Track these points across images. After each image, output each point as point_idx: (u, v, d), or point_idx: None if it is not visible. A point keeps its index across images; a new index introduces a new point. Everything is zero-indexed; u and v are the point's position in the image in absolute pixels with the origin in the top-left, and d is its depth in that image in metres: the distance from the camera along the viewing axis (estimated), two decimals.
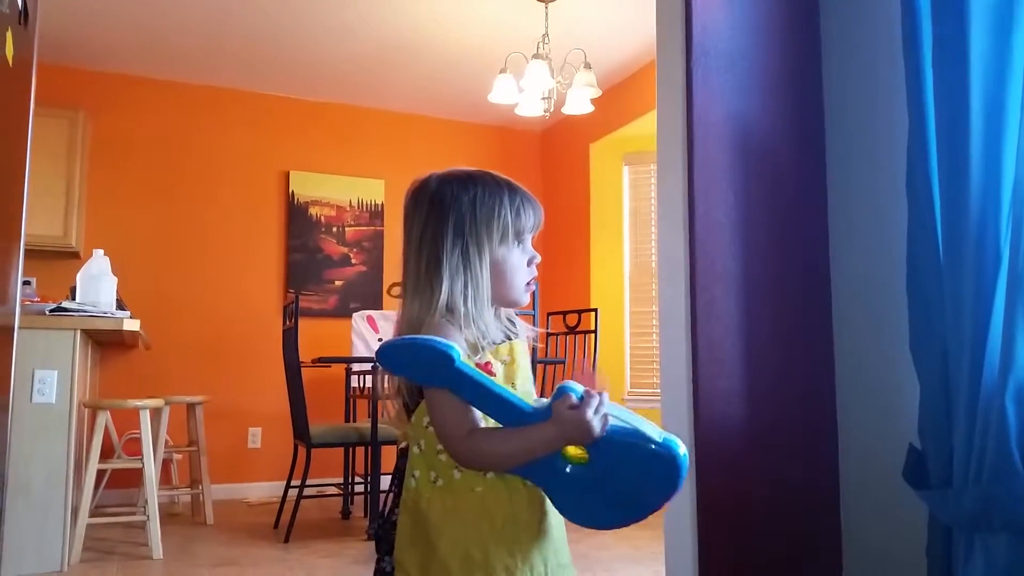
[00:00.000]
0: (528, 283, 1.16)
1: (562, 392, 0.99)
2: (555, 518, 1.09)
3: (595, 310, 4.35)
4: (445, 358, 0.97)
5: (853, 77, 1.91)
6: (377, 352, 1.01)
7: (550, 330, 4.67)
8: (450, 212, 1.11)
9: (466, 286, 1.08)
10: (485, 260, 1.10)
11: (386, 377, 1.13)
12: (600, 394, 0.99)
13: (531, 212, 1.15)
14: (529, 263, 1.16)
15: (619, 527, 1.03)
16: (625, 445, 0.99)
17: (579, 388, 0.99)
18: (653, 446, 0.97)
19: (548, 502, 1.06)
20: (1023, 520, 1.34)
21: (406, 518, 1.09)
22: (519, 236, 1.14)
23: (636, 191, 5.14)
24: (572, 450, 0.98)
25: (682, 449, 0.98)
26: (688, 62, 1.69)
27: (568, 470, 1.00)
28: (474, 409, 1.02)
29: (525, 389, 1.13)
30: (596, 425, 0.97)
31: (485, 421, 1.03)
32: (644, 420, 0.99)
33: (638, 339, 4.97)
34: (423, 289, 1.10)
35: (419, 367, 1.00)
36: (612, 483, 0.99)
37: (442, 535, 1.04)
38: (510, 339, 1.14)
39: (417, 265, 1.11)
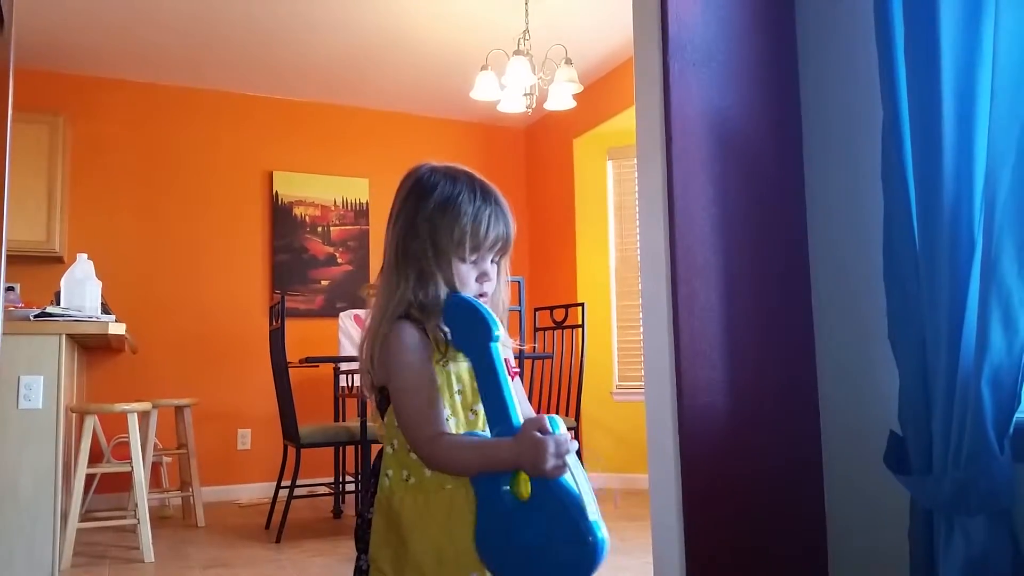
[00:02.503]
0: (478, 296, 1.13)
1: (542, 419, 0.98)
2: None
3: (582, 304, 4.36)
4: (488, 330, 1.02)
5: (829, 69, 1.93)
6: (445, 300, 1.07)
7: (538, 325, 4.68)
8: (421, 207, 1.13)
9: (424, 283, 1.10)
10: (444, 262, 1.10)
11: (367, 376, 1.14)
12: (571, 441, 0.98)
13: (492, 229, 1.11)
14: (478, 279, 1.13)
15: None
16: (561, 503, 0.95)
17: (560, 424, 0.99)
18: (582, 522, 0.93)
19: None
20: (1000, 502, 1.36)
21: (380, 517, 1.11)
22: (475, 249, 1.11)
23: (620, 185, 5.16)
24: (522, 481, 0.97)
25: (603, 538, 0.93)
26: (665, 57, 1.71)
27: (505, 493, 0.98)
28: (442, 412, 1.05)
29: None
30: (550, 461, 0.95)
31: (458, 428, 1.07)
32: (592, 497, 0.96)
33: (625, 332, 5.00)
34: (389, 276, 1.13)
35: (466, 326, 1.05)
36: (529, 532, 0.96)
37: (414, 533, 1.05)
38: None
39: (391, 251, 1.15)
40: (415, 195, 1.15)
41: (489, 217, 1.12)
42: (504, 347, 1.16)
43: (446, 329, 1.09)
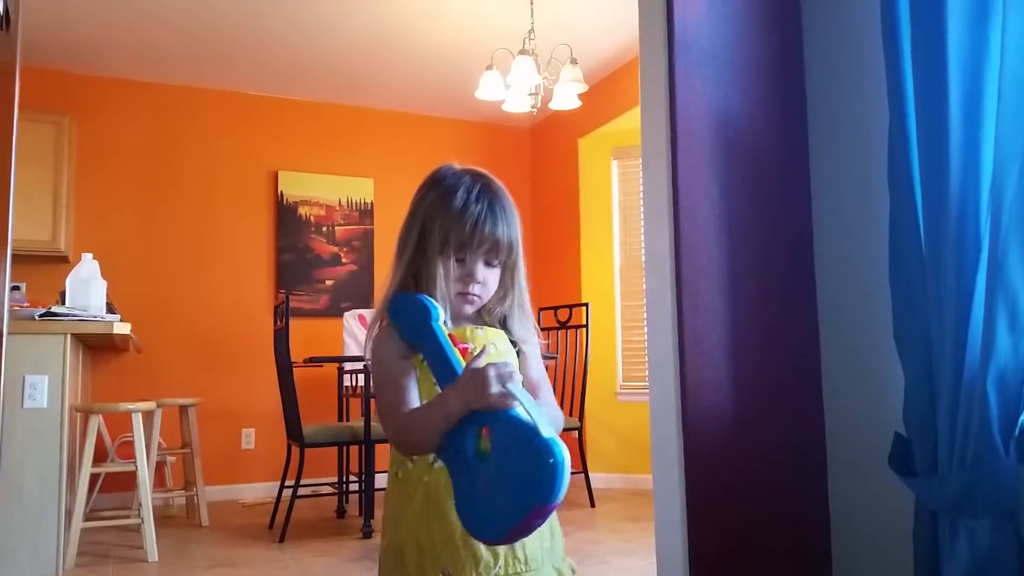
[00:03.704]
0: (461, 295, 1.13)
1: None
2: None
3: (586, 304, 4.37)
4: (426, 311, 1.04)
5: (835, 69, 1.92)
6: (389, 301, 1.10)
7: (542, 325, 4.68)
8: (423, 199, 1.16)
9: (414, 277, 1.13)
10: (433, 257, 1.12)
11: None
12: (512, 371, 0.98)
13: (478, 229, 1.11)
14: (463, 279, 1.13)
15: (496, 539, 0.99)
16: (516, 434, 0.94)
17: (458, 353, 1.02)
18: (540, 445, 0.92)
19: None
20: (1005, 504, 1.36)
21: (384, 512, 1.16)
22: (460, 248, 1.11)
23: (625, 185, 5.15)
24: (483, 437, 0.97)
25: (562, 456, 0.91)
26: (670, 57, 1.70)
27: (472, 457, 0.98)
28: (410, 395, 1.06)
29: None
30: (494, 386, 0.95)
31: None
32: (545, 422, 0.95)
33: (629, 332, 5.00)
34: (390, 268, 1.17)
35: (408, 317, 1.07)
36: (499, 480, 0.95)
37: (400, 525, 1.08)
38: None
39: (398, 241, 1.18)
40: (423, 188, 1.18)
41: (478, 215, 1.11)
42: (527, 344, 1.19)
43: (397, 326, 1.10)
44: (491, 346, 1.14)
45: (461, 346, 1.07)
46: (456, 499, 0.99)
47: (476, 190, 1.13)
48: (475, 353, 1.07)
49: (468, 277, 1.12)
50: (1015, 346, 1.36)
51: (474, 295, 1.13)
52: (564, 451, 0.92)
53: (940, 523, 1.46)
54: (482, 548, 1.03)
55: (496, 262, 1.15)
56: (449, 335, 1.05)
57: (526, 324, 1.20)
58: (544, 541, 1.09)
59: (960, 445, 1.40)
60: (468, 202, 1.11)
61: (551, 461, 0.90)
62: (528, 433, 0.93)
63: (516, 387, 0.97)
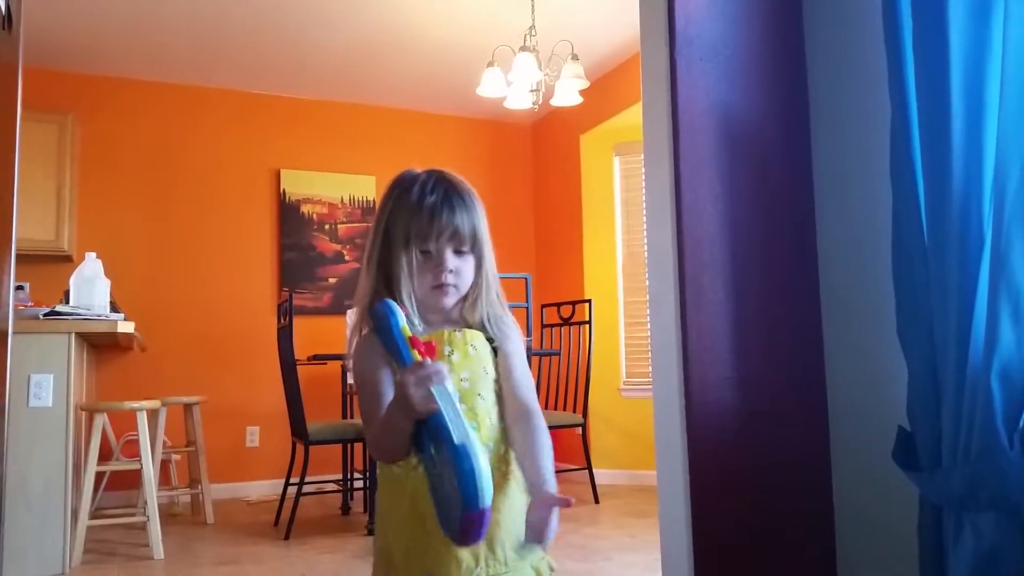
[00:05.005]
0: (436, 288, 1.13)
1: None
2: (519, 499, 1.10)
3: (589, 301, 4.36)
4: (386, 320, 1.04)
5: (837, 64, 1.92)
6: (371, 313, 1.09)
7: (545, 322, 4.68)
8: (383, 204, 1.17)
9: (386, 281, 1.14)
10: (398, 255, 1.12)
11: None
12: (429, 365, 0.97)
13: (436, 217, 1.11)
14: (433, 270, 1.12)
15: (457, 543, 0.98)
16: (437, 437, 0.93)
17: (416, 356, 0.99)
18: (448, 445, 0.91)
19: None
20: (1010, 498, 1.36)
21: (376, 513, 1.18)
22: (422, 238, 1.12)
23: (627, 181, 5.15)
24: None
25: (469, 463, 0.89)
26: (671, 52, 1.70)
27: (434, 466, 0.97)
28: (387, 404, 1.06)
29: (469, 384, 1.12)
30: (413, 394, 0.94)
31: None
32: (464, 424, 0.93)
33: (632, 329, 5.00)
34: (362, 274, 1.18)
35: (377, 323, 1.06)
36: (446, 484, 0.94)
37: (388, 528, 1.11)
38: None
39: (365, 249, 1.19)
40: (384, 195, 1.19)
41: (433, 204, 1.12)
42: (511, 341, 1.18)
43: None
44: (471, 348, 1.13)
45: (424, 346, 1.04)
46: (433, 501, 1.00)
47: (431, 183, 1.14)
48: (449, 355, 1.09)
49: (438, 267, 1.12)
50: (1019, 340, 1.36)
51: (448, 285, 1.12)
52: (475, 457, 0.90)
53: (944, 517, 1.46)
54: (463, 551, 1.04)
55: (465, 249, 1.14)
56: (411, 337, 1.03)
57: (501, 319, 1.19)
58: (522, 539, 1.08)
59: (964, 439, 1.40)
60: (424, 194, 1.13)
61: (466, 468, 0.89)
62: (445, 439, 0.92)
63: (440, 389, 0.95)
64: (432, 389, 0.94)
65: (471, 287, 1.17)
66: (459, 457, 0.90)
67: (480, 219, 1.16)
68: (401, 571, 1.07)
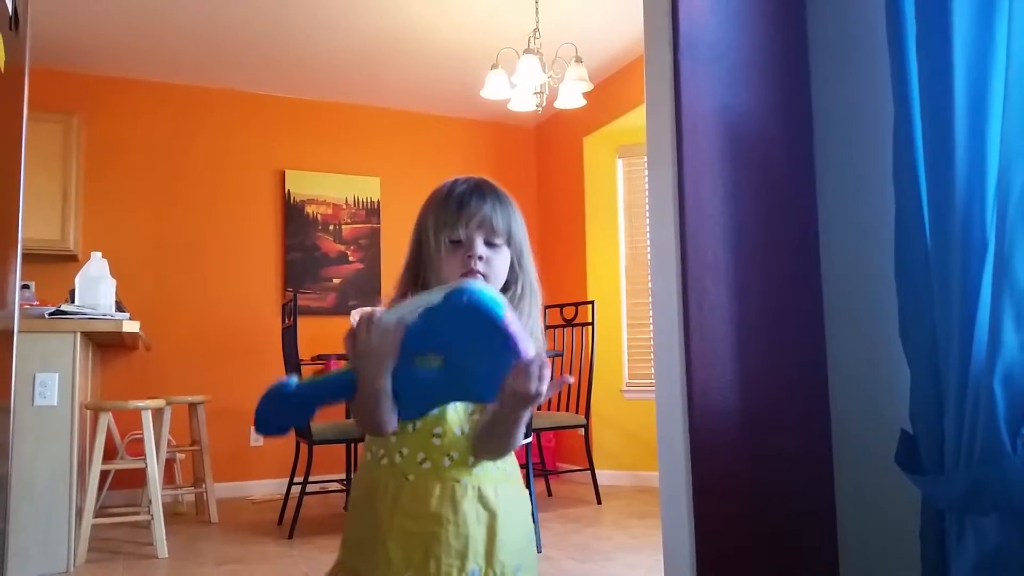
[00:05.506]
0: (465, 275, 1.10)
1: None
2: (473, 512, 1.07)
3: (592, 302, 4.37)
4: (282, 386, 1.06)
5: (840, 66, 1.92)
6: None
7: (547, 323, 4.68)
8: (419, 218, 1.18)
9: (414, 279, 1.15)
10: (428, 252, 1.13)
11: None
12: (372, 311, 0.98)
13: (465, 205, 1.11)
14: (464, 259, 1.11)
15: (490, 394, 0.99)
16: (435, 319, 0.95)
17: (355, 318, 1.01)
18: (444, 304, 0.93)
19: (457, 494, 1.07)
20: (1012, 501, 1.36)
21: None
22: (450, 226, 1.11)
23: (630, 183, 5.15)
24: (421, 362, 0.97)
25: (464, 289, 0.93)
26: (676, 55, 1.71)
27: (436, 375, 0.98)
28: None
29: None
30: (371, 335, 0.97)
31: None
32: (427, 298, 0.96)
33: (635, 330, 5.00)
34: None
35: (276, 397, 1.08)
36: (467, 354, 0.95)
37: (350, 519, 1.18)
38: None
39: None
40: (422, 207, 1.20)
41: (462, 194, 1.12)
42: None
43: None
44: None
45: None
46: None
47: (461, 180, 1.16)
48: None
49: (467, 254, 1.10)
50: (1022, 343, 1.36)
51: (477, 272, 1.09)
52: (465, 287, 0.94)
53: (947, 521, 1.46)
54: (394, 550, 1.06)
55: (498, 242, 1.12)
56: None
57: (528, 323, 1.16)
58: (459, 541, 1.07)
59: (967, 443, 1.40)
60: (454, 188, 1.14)
61: (464, 299, 0.92)
62: (434, 312, 0.94)
63: (390, 313, 0.97)
64: (385, 316, 0.96)
65: (507, 286, 1.15)
66: (456, 297, 0.92)
67: (515, 219, 1.15)
68: (351, 561, 1.14)
